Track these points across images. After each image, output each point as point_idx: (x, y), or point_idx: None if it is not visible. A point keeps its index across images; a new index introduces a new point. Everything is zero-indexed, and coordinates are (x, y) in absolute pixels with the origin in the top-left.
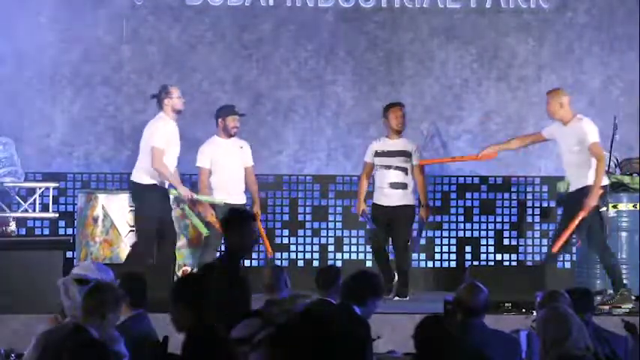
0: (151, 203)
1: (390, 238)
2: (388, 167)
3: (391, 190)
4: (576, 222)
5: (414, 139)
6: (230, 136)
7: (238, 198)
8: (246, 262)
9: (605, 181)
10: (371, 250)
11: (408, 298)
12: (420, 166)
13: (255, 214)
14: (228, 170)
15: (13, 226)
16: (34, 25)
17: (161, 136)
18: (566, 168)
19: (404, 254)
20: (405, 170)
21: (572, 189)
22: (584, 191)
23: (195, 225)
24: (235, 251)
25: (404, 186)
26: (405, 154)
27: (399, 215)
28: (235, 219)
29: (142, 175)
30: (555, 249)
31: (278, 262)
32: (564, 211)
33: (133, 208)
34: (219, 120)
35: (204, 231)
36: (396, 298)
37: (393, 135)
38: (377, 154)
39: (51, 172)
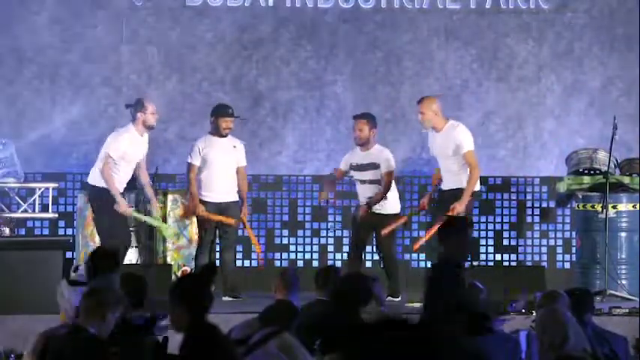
0: (106, 205)
1: (377, 244)
2: (363, 182)
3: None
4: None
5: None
6: (222, 136)
7: (230, 196)
8: (246, 263)
9: (477, 188)
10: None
11: (399, 298)
12: (388, 174)
13: (245, 215)
14: (219, 168)
15: (7, 231)
16: (33, 26)
17: (118, 148)
18: (443, 174)
19: (391, 260)
20: (378, 182)
21: (444, 188)
22: (455, 193)
23: (152, 225)
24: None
25: (378, 201)
26: (375, 167)
27: (384, 224)
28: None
29: (96, 177)
30: (415, 248)
31: (278, 263)
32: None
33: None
34: (212, 119)
35: (162, 226)
36: (389, 298)
37: (361, 147)
38: (351, 166)
39: (51, 173)
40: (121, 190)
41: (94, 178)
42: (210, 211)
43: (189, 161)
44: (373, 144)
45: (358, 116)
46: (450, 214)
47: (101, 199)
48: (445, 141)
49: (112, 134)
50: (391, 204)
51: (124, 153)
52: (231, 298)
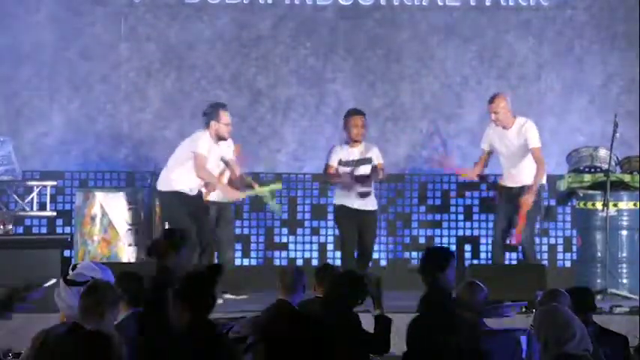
0: (179, 211)
1: (360, 242)
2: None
3: (359, 199)
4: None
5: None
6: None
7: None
8: (243, 262)
9: (544, 181)
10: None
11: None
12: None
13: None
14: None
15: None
16: (31, 23)
17: (204, 146)
18: (508, 170)
19: (368, 257)
20: (368, 177)
21: (510, 185)
22: (521, 190)
23: (266, 199)
24: None
25: (368, 193)
26: (367, 161)
27: (370, 220)
28: None
29: (181, 183)
30: (517, 240)
31: (277, 261)
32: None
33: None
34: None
35: (273, 201)
36: None
37: (353, 143)
38: (340, 162)
39: (49, 171)
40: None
41: (166, 183)
42: (212, 211)
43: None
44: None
45: (355, 112)
46: (523, 207)
47: (171, 204)
48: (515, 138)
49: (192, 136)
50: (373, 201)
51: (208, 152)
52: (233, 297)
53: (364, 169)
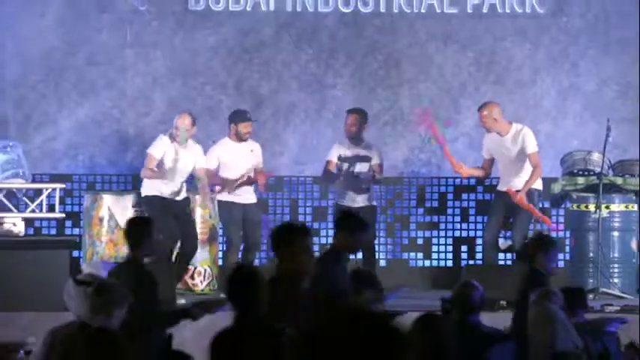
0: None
1: None
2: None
3: (356, 194)
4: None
5: (375, 141)
6: (241, 140)
7: (248, 197)
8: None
9: (540, 187)
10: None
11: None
12: (380, 167)
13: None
14: (236, 171)
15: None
16: (40, 30)
17: (157, 146)
18: (504, 175)
19: (372, 253)
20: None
21: (504, 189)
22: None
23: None
24: None
25: (367, 190)
26: (365, 160)
27: (366, 216)
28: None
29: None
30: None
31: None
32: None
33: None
34: (232, 125)
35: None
36: None
37: (353, 141)
38: (340, 158)
39: (57, 174)
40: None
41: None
42: (236, 213)
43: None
44: (363, 138)
45: (351, 110)
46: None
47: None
48: (512, 144)
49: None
50: (370, 197)
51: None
52: None
53: (361, 167)
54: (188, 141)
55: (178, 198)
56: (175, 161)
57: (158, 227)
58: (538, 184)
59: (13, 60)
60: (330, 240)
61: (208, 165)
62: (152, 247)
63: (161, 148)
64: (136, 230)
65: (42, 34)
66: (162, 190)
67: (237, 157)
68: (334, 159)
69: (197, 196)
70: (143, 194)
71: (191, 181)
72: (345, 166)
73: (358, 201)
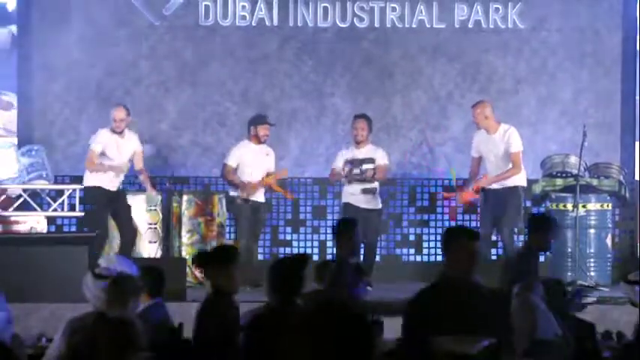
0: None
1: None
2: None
3: (362, 195)
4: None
5: (379, 144)
6: (260, 142)
7: (262, 197)
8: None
9: (524, 184)
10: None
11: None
12: (384, 167)
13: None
14: (251, 172)
15: (43, 224)
16: (63, 44)
17: (97, 140)
18: (491, 173)
19: (373, 251)
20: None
21: (490, 187)
22: (502, 191)
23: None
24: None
25: (373, 191)
26: (372, 161)
27: (372, 217)
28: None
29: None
30: None
31: (281, 257)
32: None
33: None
34: (252, 127)
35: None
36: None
37: (358, 144)
38: (347, 161)
39: (78, 176)
40: None
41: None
42: (246, 210)
43: (225, 162)
44: (369, 142)
45: (359, 116)
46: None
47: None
48: (499, 143)
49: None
50: (377, 200)
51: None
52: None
53: (367, 168)
54: (125, 131)
55: (118, 187)
56: (116, 150)
57: (96, 221)
58: (522, 181)
59: (39, 71)
60: (329, 237)
61: (229, 163)
62: None
63: (101, 141)
64: None
65: (65, 47)
66: (103, 180)
67: (256, 159)
68: (337, 166)
69: (144, 195)
70: (84, 185)
71: (134, 180)
72: (349, 167)
73: (365, 201)
